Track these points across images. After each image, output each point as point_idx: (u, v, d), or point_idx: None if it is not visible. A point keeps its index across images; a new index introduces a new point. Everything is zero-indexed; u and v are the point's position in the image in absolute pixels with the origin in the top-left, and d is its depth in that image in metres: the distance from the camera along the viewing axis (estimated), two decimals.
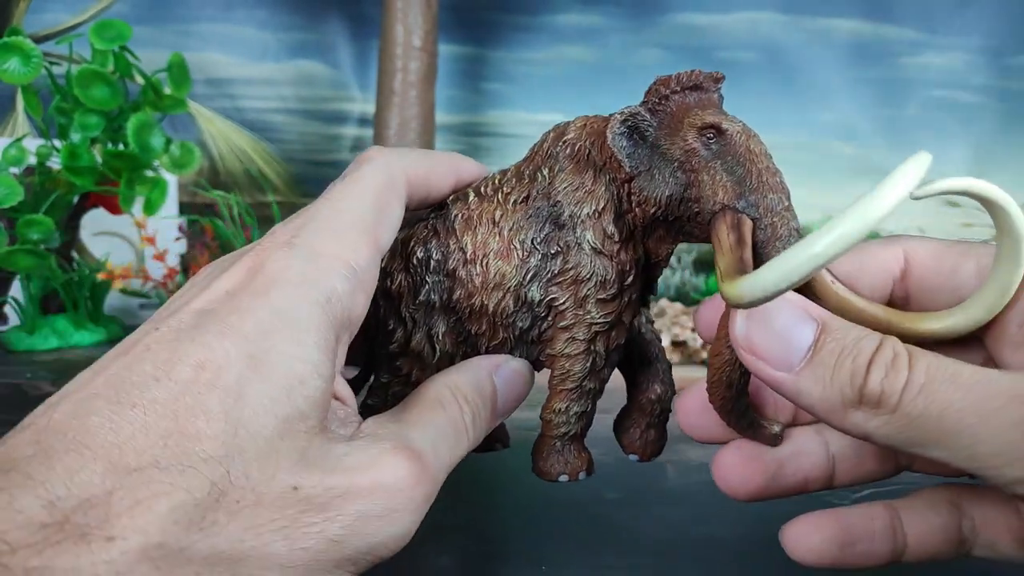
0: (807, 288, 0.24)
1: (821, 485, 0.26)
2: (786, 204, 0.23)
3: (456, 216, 0.28)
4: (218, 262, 0.25)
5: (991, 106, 1.04)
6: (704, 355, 0.71)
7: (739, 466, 0.26)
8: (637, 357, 0.30)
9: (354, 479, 0.21)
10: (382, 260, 0.28)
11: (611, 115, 0.26)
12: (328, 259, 0.23)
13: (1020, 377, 0.19)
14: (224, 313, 0.21)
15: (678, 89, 0.25)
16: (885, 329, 0.23)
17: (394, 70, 0.80)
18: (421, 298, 0.28)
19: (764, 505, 0.35)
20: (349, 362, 0.31)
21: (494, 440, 0.33)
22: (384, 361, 0.29)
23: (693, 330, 0.71)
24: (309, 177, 1.08)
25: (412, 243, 0.28)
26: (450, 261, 0.28)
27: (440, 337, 0.28)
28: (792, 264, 0.19)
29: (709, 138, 0.24)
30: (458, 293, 0.28)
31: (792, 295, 0.21)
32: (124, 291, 0.79)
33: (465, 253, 0.27)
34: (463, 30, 1.04)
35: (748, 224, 0.23)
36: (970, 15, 1.02)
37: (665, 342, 0.69)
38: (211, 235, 0.81)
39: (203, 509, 0.18)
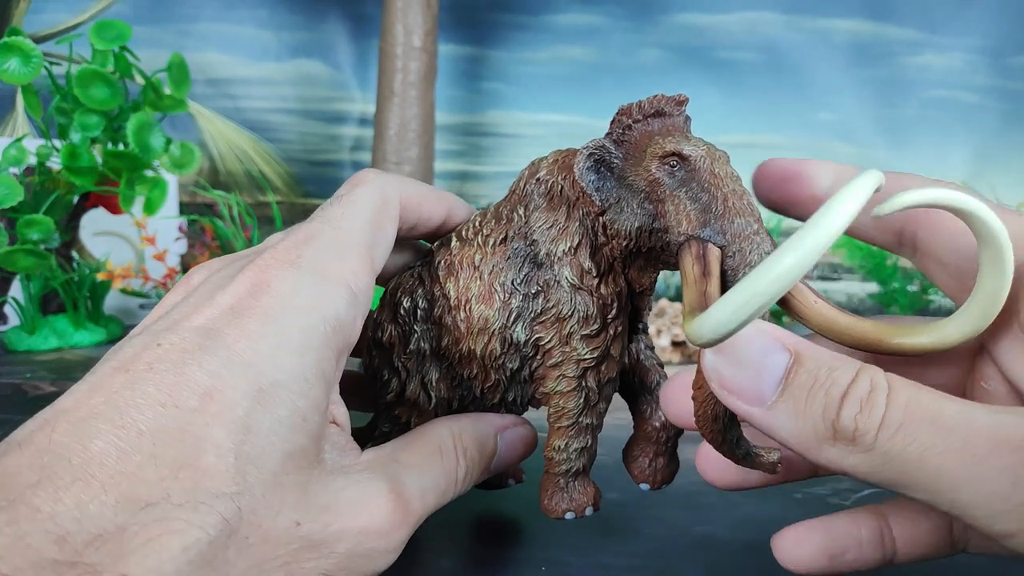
0: (788, 307, 0.23)
1: (805, 475, 0.26)
2: (755, 227, 0.23)
3: (439, 263, 0.28)
4: (214, 270, 0.24)
5: (991, 106, 1.04)
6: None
7: (718, 459, 0.25)
8: (639, 385, 0.29)
9: (348, 519, 0.22)
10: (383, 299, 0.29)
11: (580, 149, 0.25)
12: (332, 283, 0.23)
13: (1005, 418, 0.18)
14: (232, 338, 0.20)
15: (640, 117, 0.25)
16: (874, 345, 0.22)
17: (394, 70, 0.80)
18: (411, 347, 0.28)
19: (764, 506, 0.35)
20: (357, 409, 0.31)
21: (507, 476, 0.33)
22: (383, 411, 0.29)
23: None
24: (309, 177, 1.08)
25: (399, 293, 0.28)
26: (436, 308, 0.28)
27: (434, 384, 0.28)
28: (740, 301, 0.18)
29: (673, 166, 0.24)
30: (446, 340, 0.28)
31: (764, 324, 0.21)
32: (124, 291, 0.79)
33: (449, 300, 0.27)
34: (463, 30, 1.04)
35: (715, 253, 0.22)
36: (970, 15, 1.02)
37: (665, 342, 0.69)
38: (211, 235, 0.81)
39: (216, 547, 0.18)
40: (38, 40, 0.90)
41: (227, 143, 1.06)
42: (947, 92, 1.04)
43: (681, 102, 0.25)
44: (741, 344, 0.20)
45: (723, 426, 0.23)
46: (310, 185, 1.08)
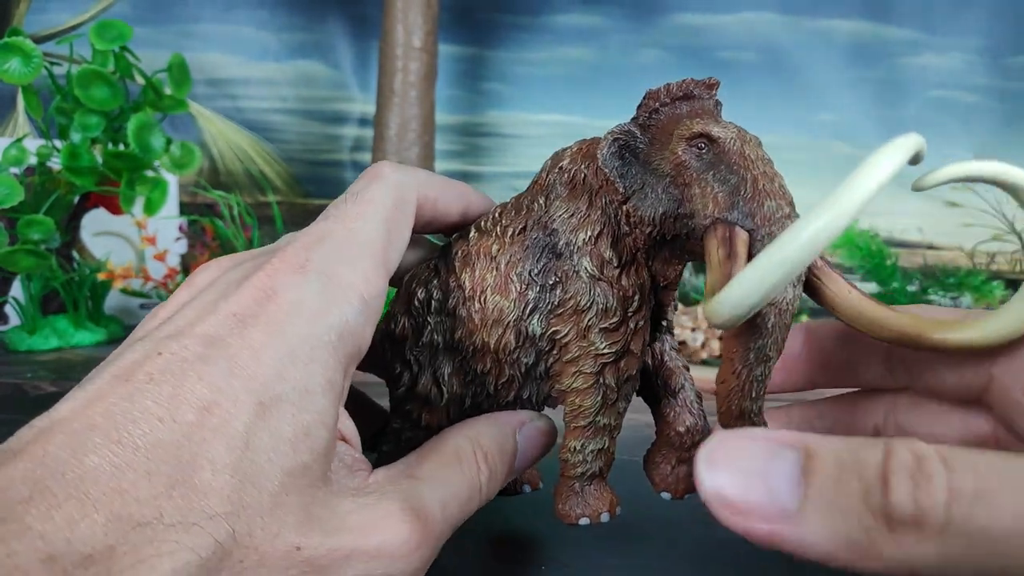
0: (821, 297, 0.22)
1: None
2: (787, 211, 0.22)
3: (456, 253, 0.27)
4: (224, 269, 0.24)
5: (991, 106, 1.04)
6: (704, 355, 0.71)
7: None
8: (662, 388, 0.28)
9: (357, 541, 0.20)
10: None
11: (604, 134, 0.24)
12: (343, 290, 0.22)
13: None
14: (235, 348, 0.20)
15: (668, 101, 0.24)
16: (914, 340, 0.21)
17: (394, 70, 0.80)
18: (424, 340, 0.27)
19: None
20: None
21: (522, 482, 0.32)
22: (395, 407, 0.28)
23: (693, 330, 0.71)
24: (309, 177, 1.08)
25: (414, 284, 0.28)
26: (450, 300, 0.27)
27: (446, 378, 0.27)
28: (759, 274, 0.17)
29: (700, 148, 0.23)
30: (459, 332, 0.27)
31: (756, 429, 0.18)
32: (124, 291, 0.79)
33: (464, 290, 0.26)
34: (463, 30, 1.04)
35: (742, 236, 0.21)
36: (970, 15, 1.02)
37: None
38: (211, 235, 0.81)
39: (207, 571, 0.18)
40: (38, 40, 0.90)
41: (227, 143, 1.06)
42: (947, 92, 1.05)
43: (711, 85, 0.24)
44: (736, 455, 0.17)
45: (749, 423, 0.22)
46: (310, 185, 1.08)
